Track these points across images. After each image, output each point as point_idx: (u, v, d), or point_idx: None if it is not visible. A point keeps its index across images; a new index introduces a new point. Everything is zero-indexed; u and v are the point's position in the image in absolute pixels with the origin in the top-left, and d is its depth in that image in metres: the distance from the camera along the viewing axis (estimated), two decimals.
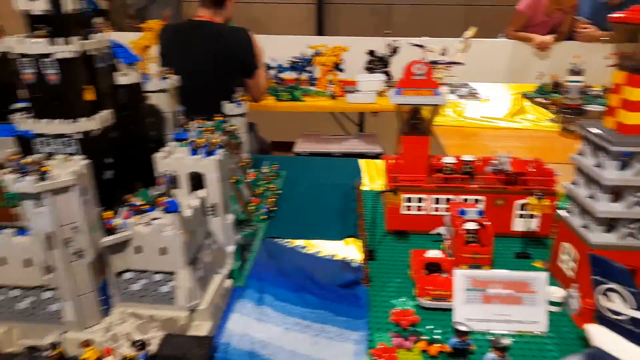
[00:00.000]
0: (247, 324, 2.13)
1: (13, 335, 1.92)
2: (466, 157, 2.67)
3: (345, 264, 2.53)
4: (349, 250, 2.67)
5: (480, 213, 2.33)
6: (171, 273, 2.00)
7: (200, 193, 2.22)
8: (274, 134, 6.24)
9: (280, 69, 6.33)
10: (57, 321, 1.89)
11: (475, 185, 2.62)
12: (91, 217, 1.83)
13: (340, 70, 6.06)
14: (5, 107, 2.21)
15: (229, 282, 2.32)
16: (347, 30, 9.48)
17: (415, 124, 2.64)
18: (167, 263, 1.98)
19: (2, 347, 1.90)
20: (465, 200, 2.61)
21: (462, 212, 2.33)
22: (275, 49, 6.12)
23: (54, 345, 1.78)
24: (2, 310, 1.92)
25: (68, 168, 1.75)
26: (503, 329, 1.98)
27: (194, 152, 2.26)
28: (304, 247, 2.72)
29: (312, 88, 5.98)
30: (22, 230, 1.85)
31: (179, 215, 1.92)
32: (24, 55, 1.93)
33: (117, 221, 1.94)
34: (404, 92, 2.55)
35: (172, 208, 1.88)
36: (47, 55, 1.91)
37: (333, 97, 5.74)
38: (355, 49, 5.94)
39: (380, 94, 5.63)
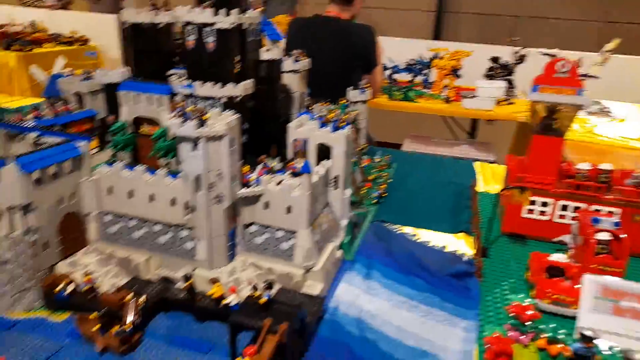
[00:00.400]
0: (355, 294, 2.18)
1: (151, 265, 2.15)
2: (604, 166, 2.48)
3: (455, 256, 2.48)
4: (460, 245, 2.62)
5: (617, 224, 2.15)
6: (293, 232, 2.11)
7: (326, 164, 2.31)
8: (381, 134, 6.28)
9: (396, 69, 6.36)
10: (190, 258, 2.09)
11: (611, 197, 2.42)
12: (234, 168, 1.99)
13: (458, 76, 5.95)
14: (165, 70, 2.49)
15: (339, 253, 2.39)
16: (465, 40, 9.24)
17: (549, 124, 2.51)
18: (290, 221, 2.09)
19: (141, 274, 2.13)
20: (598, 211, 2.43)
21: (596, 221, 2.17)
22: (394, 50, 6.17)
23: (186, 278, 1.97)
24: (144, 242, 2.16)
25: (222, 120, 1.92)
26: (636, 347, 1.81)
27: (324, 125, 2.37)
28: (413, 235, 2.71)
29: (426, 90, 5.93)
30: (172, 174, 2.07)
31: (308, 177, 2.02)
32: (189, 24, 2.17)
33: (252, 176, 2.10)
34: (542, 89, 2.45)
35: (304, 169, 1.99)
36: (209, 25, 2.13)
37: (448, 101, 5.64)
38: (476, 56, 5.79)
39: (499, 102, 5.43)
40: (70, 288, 1.97)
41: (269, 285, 1.72)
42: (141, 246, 2.15)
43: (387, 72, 6.27)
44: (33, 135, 2.18)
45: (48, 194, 1.97)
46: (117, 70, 2.47)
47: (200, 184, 1.93)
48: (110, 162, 2.17)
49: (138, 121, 2.50)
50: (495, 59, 5.70)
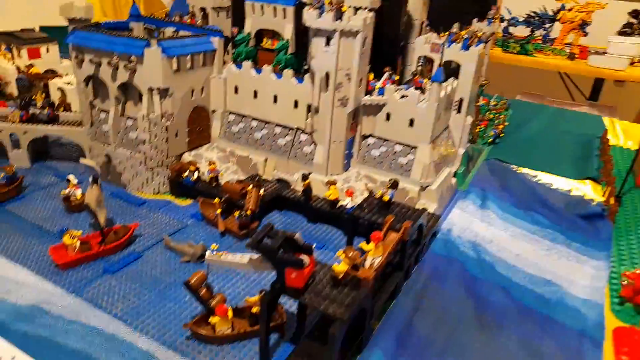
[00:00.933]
0: (470, 220, 2.08)
1: (269, 165, 2.20)
2: None
3: (583, 199, 2.28)
4: (586, 190, 2.40)
5: None
6: (413, 147, 2.04)
7: (453, 82, 2.18)
8: (490, 89, 5.90)
9: (514, 22, 5.87)
10: (307, 162, 2.10)
11: None
12: (362, 71, 1.94)
13: (585, 32, 5.36)
14: None
15: (454, 180, 2.29)
16: None
17: None
18: (412, 135, 2.02)
19: (259, 173, 2.19)
20: None
21: None
22: (512, 0, 5.68)
23: (304, 177, 1.98)
24: (264, 143, 2.20)
25: (357, 17, 1.85)
26: None
27: (452, 43, 2.22)
28: (534, 176, 2.52)
29: (546, 45, 5.42)
30: (298, 79, 2.06)
31: (438, 86, 1.91)
32: None
33: (378, 84, 2.03)
34: None
35: (436, 77, 1.88)
36: None
37: (571, 57, 5.12)
38: (609, 10, 5.15)
39: (633, 62, 4.83)
40: (196, 175, 2.08)
41: (394, 184, 1.67)
42: (261, 147, 2.20)
43: (503, 25, 5.81)
44: (170, 29, 2.28)
45: (183, 83, 2.06)
46: None
47: (329, 82, 1.90)
48: (238, 64, 2.21)
49: (260, 35, 2.53)
50: (636, 13, 5.04)
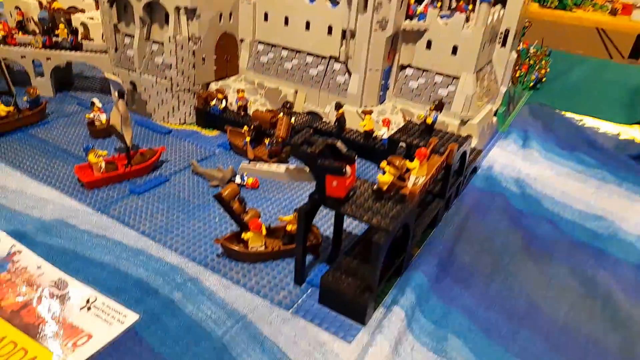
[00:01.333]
0: (512, 158, 1.96)
1: (299, 97, 2.09)
2: None
3: (634, 142, 2.13)
4: (636, 134, 2.25)
5: None
6: (454, 77, 1.90)
7: (500, 10, 2.01)
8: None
9: None
10: (341, 93, 1.98)
11: None
12: None
13: None
14: None
15: (494, 119, 2.16)
16: None
17: None
18: (455, 64, 1.88)
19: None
20: None
21: None
22: None
23: (338, 106, 1.87)
24: (295, 74, 2.09)
25: None
26: None
27: None
28: (579, 120, 2.37)
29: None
30: (332, 3, 1.92)
31: (488, 7, 1.76)
32: None
33: (419, 8, 1.89)
34: None
35: None
36: None
37: (613, 12, 4.83)
38: None
39: None
40: (223, 104, 1.98)
41: (439, 105, 1.55)
42: (291, 78, 2.09)
43: None
44: None
45: (211, 4, 1.93)
46: None
47: (367, 2, 1.76)
48: None
49: None
50: None
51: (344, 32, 1.92)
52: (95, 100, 1.88)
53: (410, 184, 1.28)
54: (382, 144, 1.77)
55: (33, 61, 2.16)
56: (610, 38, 5.83)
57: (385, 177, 1.14)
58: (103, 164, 1.60)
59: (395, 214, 1.11)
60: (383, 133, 1.78)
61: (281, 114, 1.80)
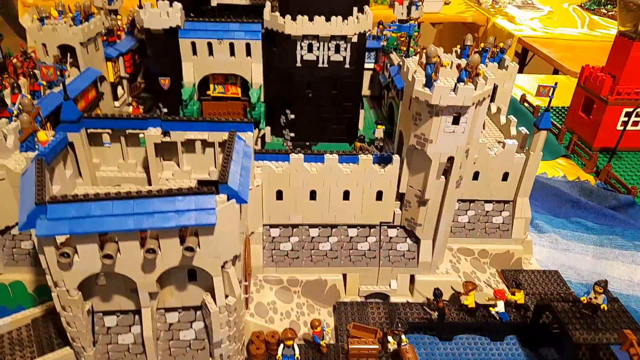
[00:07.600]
0: (552, 253, 1.97)
1: (351, 282, 1.59)
2: None
3: (587, 183, 2.38)
4: (576, 171, 2.53)
5: None
6: (505, 202, 1.74)
7: None
8: None
9: None
10: (408, 263, 1.59)
11: None
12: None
13: None
14: None
15: None
16: None
17: None
18: (505, 190, 1.71)
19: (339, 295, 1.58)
20: None
21: None
22: None
23: (436, 295, 1.49)
24: (334, 254, 1.57)
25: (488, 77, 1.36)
26: None
27: None
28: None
29: None
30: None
31: (544, 135, 1.61)
32: None
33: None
34: None
35: (545, 123, 1.57)
36: None
37: None
38: None
39: None
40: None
41: (604, 284, 1.36)
42: (333, 261, 1.57)
43: None
44: None
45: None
46: None
47: (451, 168, 1.41)
48: (279, 155, 1.47)
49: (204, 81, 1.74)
50: None
51: (401, 195, 1.51)
52: None
53: None
54: (502, 319, 1.52)
55: None
56: None
57: None
58: None
59: None
60: (499, 307, 1.52)
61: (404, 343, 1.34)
